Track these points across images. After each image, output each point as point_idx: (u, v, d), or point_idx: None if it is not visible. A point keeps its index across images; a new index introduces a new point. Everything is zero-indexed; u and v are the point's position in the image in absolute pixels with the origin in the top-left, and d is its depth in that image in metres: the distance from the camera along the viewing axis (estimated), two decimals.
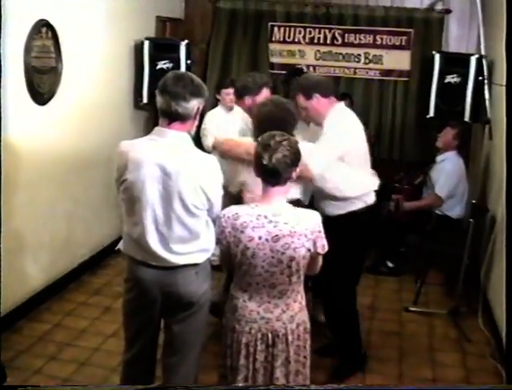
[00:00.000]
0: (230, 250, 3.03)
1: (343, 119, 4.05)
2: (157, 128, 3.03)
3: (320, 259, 3.14)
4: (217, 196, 3.08)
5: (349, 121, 4.09)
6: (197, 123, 3.10)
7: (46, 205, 5.11)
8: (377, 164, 6.90)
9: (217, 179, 3.07)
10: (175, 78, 2.97)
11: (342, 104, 4.17)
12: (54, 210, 5.26)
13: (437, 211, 5.94)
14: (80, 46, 5.38)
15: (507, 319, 3.89)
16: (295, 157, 3.00)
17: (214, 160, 3.09)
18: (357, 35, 7.29)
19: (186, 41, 6.50)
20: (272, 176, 2.97)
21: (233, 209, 3.08)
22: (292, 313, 3.07)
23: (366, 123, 6.86)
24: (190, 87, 2.95)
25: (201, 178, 2.97)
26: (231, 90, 5.65)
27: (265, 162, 2.92)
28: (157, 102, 3.01)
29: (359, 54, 7.32)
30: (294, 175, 3.04)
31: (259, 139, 3.05)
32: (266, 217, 2.95)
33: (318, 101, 3.99)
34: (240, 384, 3.07)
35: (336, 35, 7.34)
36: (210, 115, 5.82)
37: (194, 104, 2.96)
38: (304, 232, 2.95)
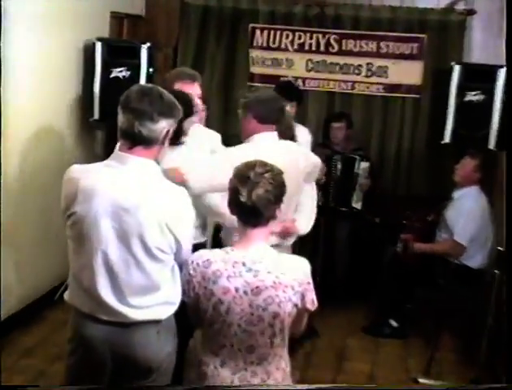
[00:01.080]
0: (199, 304, 3.01)
1: None
2: (116, 153, 3.04)
3: (306, 316, 3.17)
4: (187, 236, 3.10)
5: None
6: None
7: None
8: (378, 200, 6.98)
9: (188, 216, 3.10)
10: (140, 92, 3.00)
11: None
12: None
13: (454, 260, 5.92)
14: (13, 47, 5.17)
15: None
16: (279, 191, 3.02)
17: (185, 193, 3.11)
18: (358, 41, 7.31)
19: (148, 44, 6.51)
20: (252, 216, 2.99)
21: (203, 254, 3.08)
22: (273, 383, 3.05)
23: (365, 149, 6.94)
24: (159, 104, 2.97)
25: (169, 214, 2.97)
26: None
27: (243, 198, 2.94)
28: (118, 121, 3.02)
29: (360, 65, 7.34)
30: (278, 213, 3.10)
31: (235, 169, 3.10)
32: (244, 264, 2.96)
33: None
34: None
35: (332, 41, 7.37)
36: None
37: (163, 126, 2.98)
38: (291, 284, 2.96)
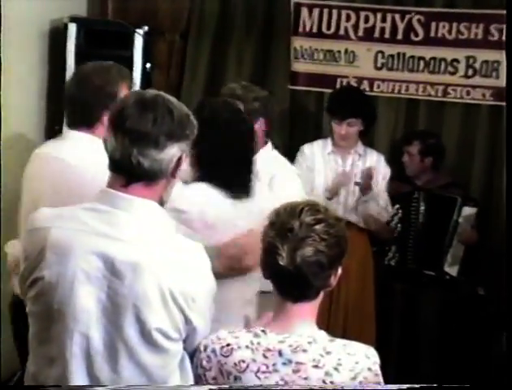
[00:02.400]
0: None
1: None
2: (104, 191, 2.99)
3: None
4: (203, 314, 3.02)
5: None
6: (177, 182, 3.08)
7: None
8: (482, 262, 6.80)
9: (205, 284, 3.03)
10: (140, 104, 2.93)
11: None
12: None
13: None
14: None
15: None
16: (337, 251, 2.99)
17: (201, 251, 3.05)
18: (455, 24, 6.95)
19: (145, 28, 6.63)
20: (295, 286, 2.99)
21: (222, 336, 3.08)
22: None
23: (463, 186, 6.78)
24: (168, 122, 2.91)
25: (177, 281, 2.89)
26: None
27: (282, 261, 2.91)
28: (105, 146, 2.96)
29: (456, 60, 7.05)
30: (334, 280, 3.06)
31: (271, 216, 3.04)
32: (281, 354, 2.96)
33: None
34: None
35: (415, 24, 7.06)
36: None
37: (173, 153, 2.94)
38: (350, 385, 2.95)
